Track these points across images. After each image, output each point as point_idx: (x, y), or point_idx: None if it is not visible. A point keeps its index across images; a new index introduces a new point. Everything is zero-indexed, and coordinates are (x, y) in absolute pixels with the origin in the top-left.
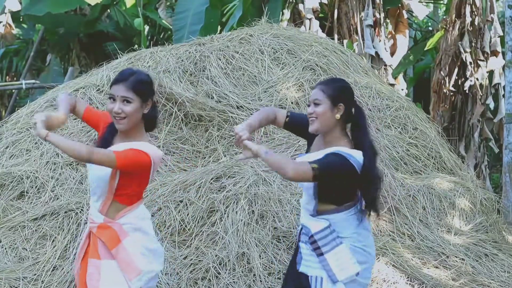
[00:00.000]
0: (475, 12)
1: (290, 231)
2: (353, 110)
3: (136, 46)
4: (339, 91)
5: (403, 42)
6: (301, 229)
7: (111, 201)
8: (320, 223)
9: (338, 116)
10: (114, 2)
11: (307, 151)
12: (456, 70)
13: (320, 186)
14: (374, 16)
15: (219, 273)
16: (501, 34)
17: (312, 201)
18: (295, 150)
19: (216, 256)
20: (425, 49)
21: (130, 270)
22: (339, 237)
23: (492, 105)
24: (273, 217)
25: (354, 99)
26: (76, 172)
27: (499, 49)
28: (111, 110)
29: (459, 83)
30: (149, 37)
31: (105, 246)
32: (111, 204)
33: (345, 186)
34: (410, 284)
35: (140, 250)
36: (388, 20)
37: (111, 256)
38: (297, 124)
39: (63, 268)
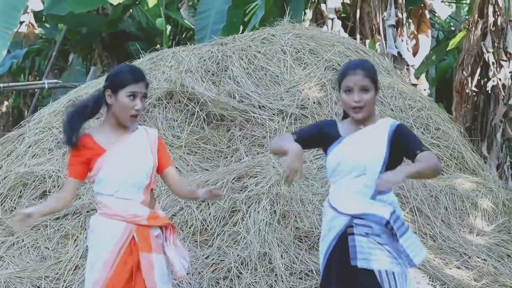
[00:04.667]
0: (498, 12)
1: (312, 231)
2: None
3: (158, 46)
4: (376, 74)
5: (426, 42)
6: (352, 220)
7: (150, 190)
8: (387, 208)
9: (377, 97)
10: (136, 2)
11: (334, 139)
12: (478, 70)
13: (392, 160)
14: (397, 16)
15: (240, 273)
16: None
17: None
18: (317, 149)
19: (238, 255)
20: (448, 49)
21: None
22: (403, 221)
23: None
24: (295, 217)
25: None
26: None
27: None
28: (133, 107)
29: (482, 83)
30: (171, 37)
31: (157, 239)
32: (150, 194)
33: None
34: (432, 284)
35: None
36: (410, 20)
37: (161, 251)
38: (307, 137)
39: (85, 267)
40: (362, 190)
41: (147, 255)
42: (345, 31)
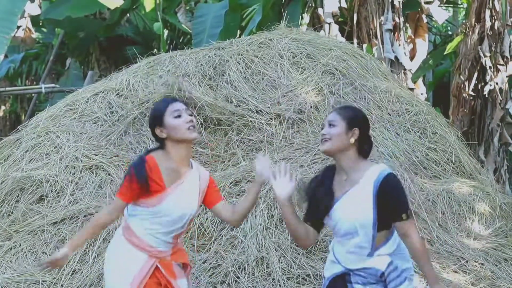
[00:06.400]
0: (495, 17)
1: None
2: (366, 139)
3: (155, 50)
4: (355, 116)
5: (423, 46)
6: (348, 274)
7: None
8: (383, 259)
9: (352, 140)
10: (134, 6)
11: (329, 198)
12: (475, 74)
13: (381, 217)
14: (394, 20)
15: (238, 277)
16: None
17: (370, 240)
18: (314, 154)
19: (235, 260)
20: (445, 53)
21: None
22: (402, 271)
23: (511, 110)
24: None
25: (369, 129)
26: (95, 176)
27: None
28: (183, 121)
29: (479, 88)
30: (168, 41)
31: (177, 266)
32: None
33: None
34: None
35: None
36: (407, 25)
37: (183, 276)
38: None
39: (82, 272)
40: (356, 251)
41: (174, 281)
42: (342, 36)
